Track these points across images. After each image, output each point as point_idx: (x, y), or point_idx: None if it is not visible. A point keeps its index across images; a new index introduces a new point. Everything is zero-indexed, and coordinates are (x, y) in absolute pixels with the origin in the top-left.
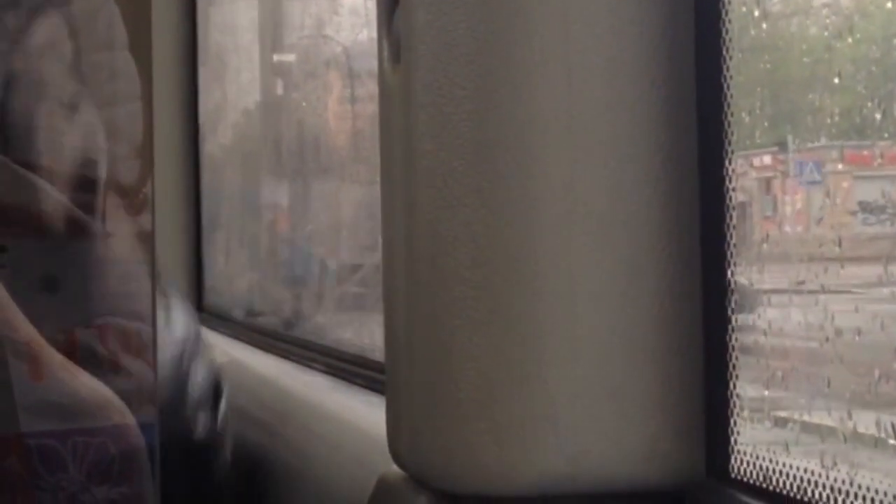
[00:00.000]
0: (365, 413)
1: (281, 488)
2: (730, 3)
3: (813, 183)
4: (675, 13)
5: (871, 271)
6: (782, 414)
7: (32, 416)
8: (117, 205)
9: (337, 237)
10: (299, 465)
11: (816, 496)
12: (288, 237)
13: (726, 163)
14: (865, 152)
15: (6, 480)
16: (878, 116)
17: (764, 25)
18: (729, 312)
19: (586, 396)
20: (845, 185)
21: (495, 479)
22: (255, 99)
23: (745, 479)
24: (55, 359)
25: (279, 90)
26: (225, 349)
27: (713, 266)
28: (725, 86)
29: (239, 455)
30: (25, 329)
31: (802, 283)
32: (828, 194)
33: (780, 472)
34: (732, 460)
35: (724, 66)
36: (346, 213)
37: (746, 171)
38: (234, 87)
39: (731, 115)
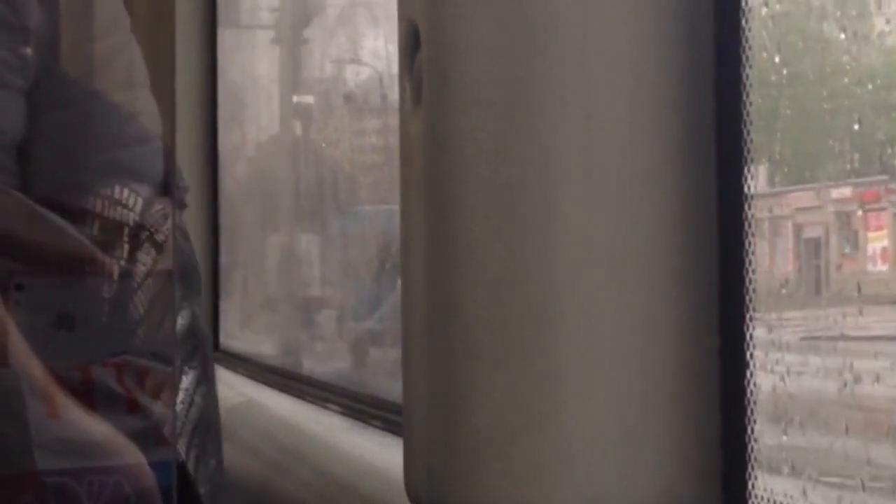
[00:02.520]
0: (380, 454)
1: None
2: (749, 48)
3: None
4: (694, 57)
5: None
6: None
7: (48, 454)
8: (138, 243)
9: None
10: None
11: None
12: None
13: (745, 207)
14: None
15: None
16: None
17: (785, 71)
18: (747, 357)
19: (603, 440)
20: None
21: None
22: None
23: None
24: (70, 397)
25: None
26: (241, 389)
27: (731, 310)
28: (745, 131)
29: (254, 495)
30: (40, 367)
31: None
32: None
33: None
34: (749, 503)
35: (744, 111)
36: None
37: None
38: None
39: (751, 159)
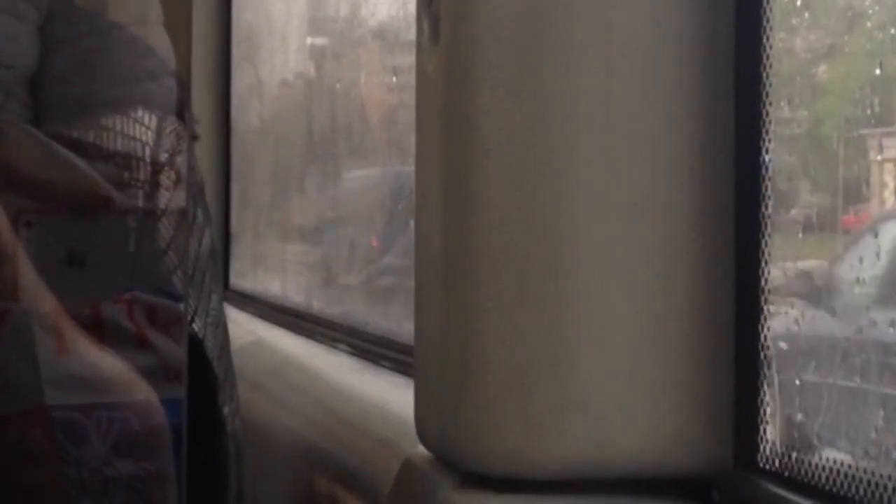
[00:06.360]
0: (391, 395)
1: (306, 470)
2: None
3: None
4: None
5: None
6: None
7: (57, 390)
8: (151, 180)
9: None
10: (325, 446)
11: (846, 488)
12: None
13: (763, 154)
14: None
15: (30, 452)
16: None
17: (806, 14)
18: (762, 302)
19: (616, 382)
20: None
21: (523, 463)
22: None
23: (773, 469)
24: (80, 333)
25: None
26: (250, 328)
27: (747, 255)
28: (764, 75)
29: (264, 436)
30: (51, 303)
31: None
32: None
33: (810, 463)
34: (761, 449)
35: (764, 58)
36: None
37: None
38: None
39: (770, 106)
